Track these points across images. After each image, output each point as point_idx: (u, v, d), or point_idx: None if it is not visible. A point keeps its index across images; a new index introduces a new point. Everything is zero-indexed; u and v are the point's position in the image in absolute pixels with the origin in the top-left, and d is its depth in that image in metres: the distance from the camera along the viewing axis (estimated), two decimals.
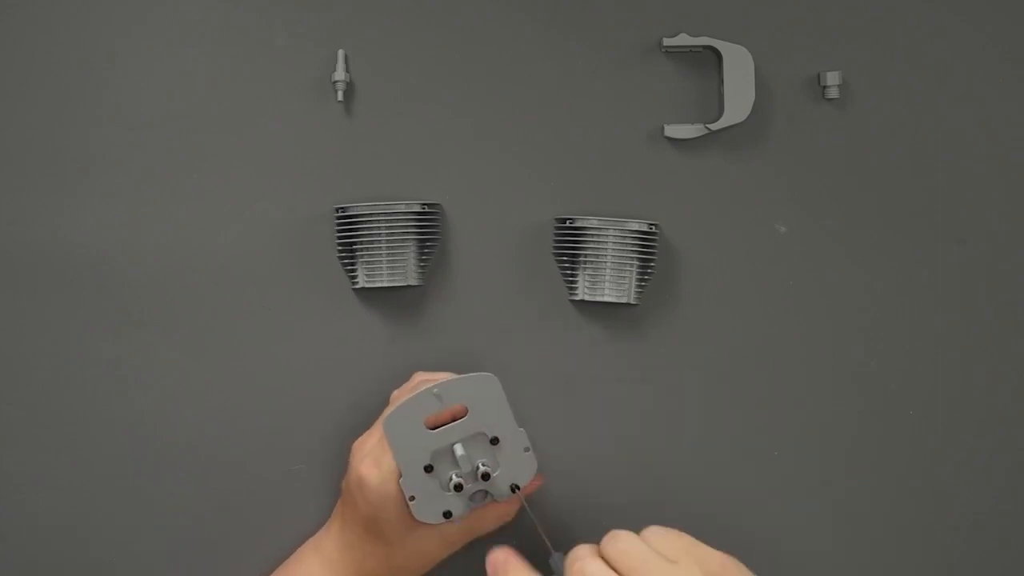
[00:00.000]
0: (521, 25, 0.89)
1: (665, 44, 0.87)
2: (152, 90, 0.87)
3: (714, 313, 0.88)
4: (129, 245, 0.87)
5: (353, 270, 0.86)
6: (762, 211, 0.89)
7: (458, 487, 0.74)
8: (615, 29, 0.88)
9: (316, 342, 0.87)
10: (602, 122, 0.88)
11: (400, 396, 0.81)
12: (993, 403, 0.88)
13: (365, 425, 0.83)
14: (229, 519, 0.85)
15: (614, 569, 0.61)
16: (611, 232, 0.84)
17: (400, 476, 0.74)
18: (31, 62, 0.87)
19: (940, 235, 0.89)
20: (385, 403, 0.83)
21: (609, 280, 0.85)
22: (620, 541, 0.62)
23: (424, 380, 0.81)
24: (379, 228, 0.84)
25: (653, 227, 0.85)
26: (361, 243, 0.84)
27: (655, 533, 0.63)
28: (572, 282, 0.86)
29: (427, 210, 0.85)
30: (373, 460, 0.76)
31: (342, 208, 0.85)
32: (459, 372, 0.80)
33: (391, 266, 0.85)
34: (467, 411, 0.75)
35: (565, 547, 0.77)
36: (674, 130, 0.88)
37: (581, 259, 0.85)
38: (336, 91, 0.87)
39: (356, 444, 0.79)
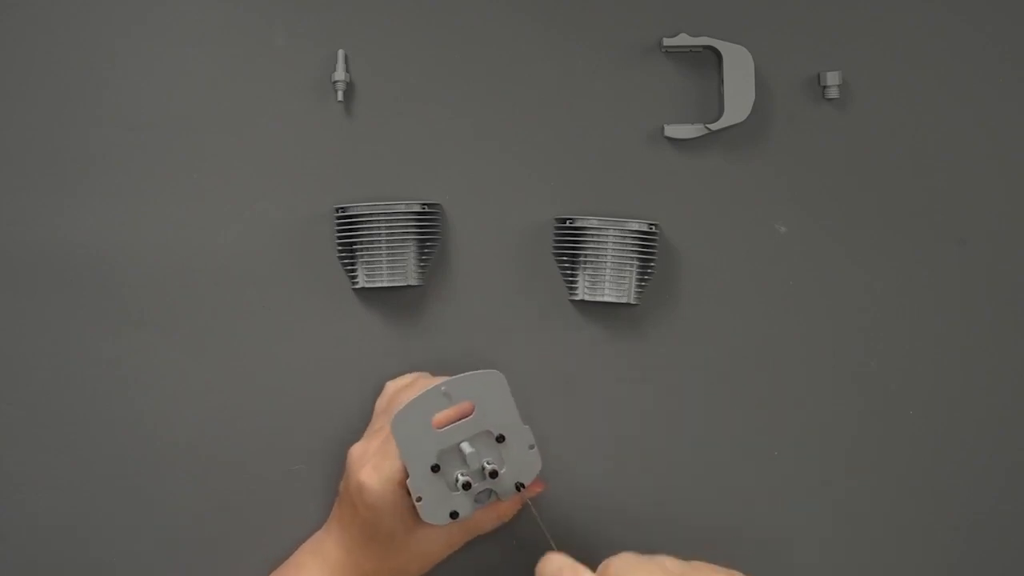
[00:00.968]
0: (521, 25, 0.89)
1: (665, 44, 0.87)
2: (152, 90, 0.87)
3: (714, 313, 0.88)
4: (129, 245, 0.87)
5: (353, 270, 0.86)
6: (762, 211, 0.88)
7: (466, 486, 0.74)
8: (615, 29, 0.88)
9: (316, 342, 0.87)
10: (602, 122, 0.88)
11: (397, 389, 0.81)
12: (993, 403, 0.88)
13: (365, 425, 0.83)
14: (229, 519, 0.85)
15: None
16: (611, 232, 0.84)
17: (407, 477, 0.74)
18: (31, 62, 0.87)
19: (940, 235, 0.89)
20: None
21: (609, 280, 0.85)
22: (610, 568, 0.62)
23: (420, 376, 0.81)
24: (379, 228, 0.84)
25: (653, 227, 0.85)
26: (361, 243, 0.84)
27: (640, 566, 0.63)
28: (572, 282, 0.86)
29: (427, 210, 0.85)
30: (373, 465, 0.76)
31: (342, 208, 0.85)
32: (458, 372, 0.80)
33: (391, 266, 0.85)
34: (473, 409, 0.75)
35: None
36: (674, 130, 0.88)
37: (581, 259, 0.85)
38: (336, 91, 0.87)
39: (353, 449, 0.79)
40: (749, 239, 0.88)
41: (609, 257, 0.84)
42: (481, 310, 0.87)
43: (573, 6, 0.89)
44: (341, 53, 0.87)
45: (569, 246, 0.85)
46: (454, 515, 0.75)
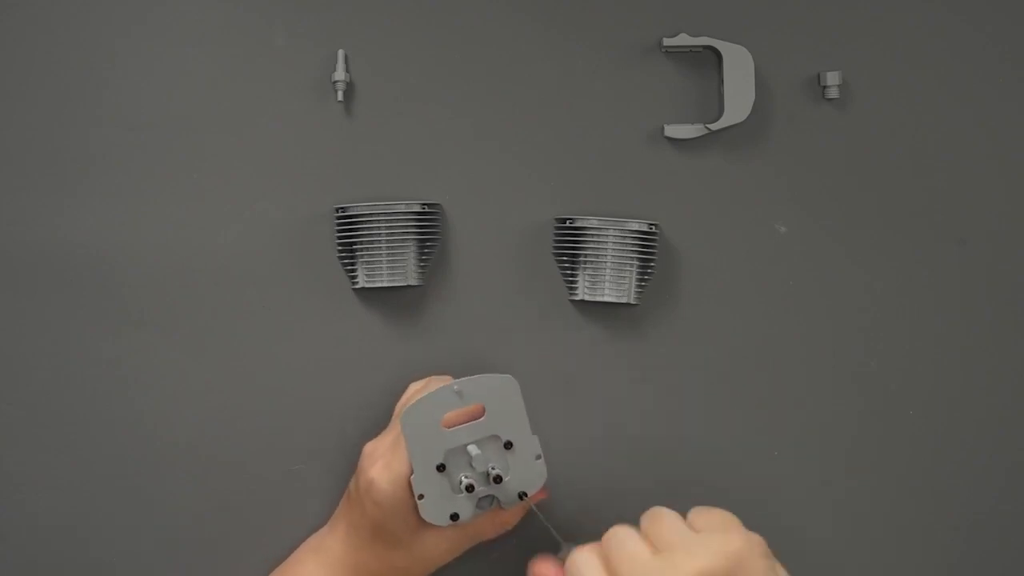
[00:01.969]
0: (521, 25, 0.89)
1: (665, 44, 0.87)
2: (152, 90, 0.87)
3: (714, 313, 0.88)
4: (129, 245, 0.87)
5: (353, 270, 0.86)
6: (762, 211, 0.89)
7: (469, 488, 0.74)
8: (615, 29, 0.88)
9: (316, 342, 0.87)
10: (602, 122, 0.88)
11: (417, 391, 0.81)
12: (993, 403, 0.88)
13: (365, 425, 0.83)
14: (229, 519, 0.85)
15: (608, 564, 0.61)
16: (611, 232, 0.84)
17: (411, 474, 0.74)
18: (31, 62, 0.87)
19: (940, 235, 0.89)
20: (391, 404, 0.83)
21: (609, 280, 0.85)
22: (613, 536, 0.63)
23: (435, 379, 0.81)
24: (379, 228, 0.84)
25: (653, 227, 0.85)
26: (361, 243, 0.84)
27: (658, 518, 0.64)
28: (572, 282, 0.86)
29: (427, 210, 0.85)
30: (385, 463, 0.76)
31: (342, 208, 0.85)
32: (456, 373, 0.81)
33: (391, 266, 0.85)
34: (483, 413, 0.75)
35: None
36: (674, 130, 0.88)
37: (581, 259, 0.85)
38: (336, 91, 0.87)
39: (368, 446, 0.79)
40: (749, 239, 0.88)
41: (609, 257, 0.84)
42: (481, 310, 0.87)
43: (573, 6, 0.89)
44: (341, 53, 0.87)
45: (569, 246, 0.85)
46: (454, 517, 0.75)
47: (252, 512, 0.86)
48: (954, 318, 0.88)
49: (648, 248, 0.85)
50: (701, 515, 0.65)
